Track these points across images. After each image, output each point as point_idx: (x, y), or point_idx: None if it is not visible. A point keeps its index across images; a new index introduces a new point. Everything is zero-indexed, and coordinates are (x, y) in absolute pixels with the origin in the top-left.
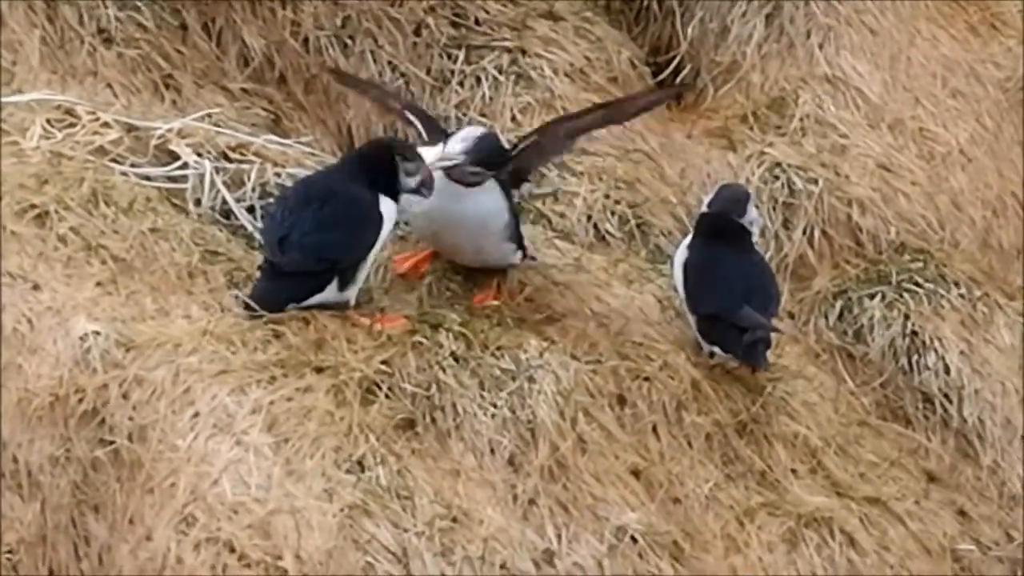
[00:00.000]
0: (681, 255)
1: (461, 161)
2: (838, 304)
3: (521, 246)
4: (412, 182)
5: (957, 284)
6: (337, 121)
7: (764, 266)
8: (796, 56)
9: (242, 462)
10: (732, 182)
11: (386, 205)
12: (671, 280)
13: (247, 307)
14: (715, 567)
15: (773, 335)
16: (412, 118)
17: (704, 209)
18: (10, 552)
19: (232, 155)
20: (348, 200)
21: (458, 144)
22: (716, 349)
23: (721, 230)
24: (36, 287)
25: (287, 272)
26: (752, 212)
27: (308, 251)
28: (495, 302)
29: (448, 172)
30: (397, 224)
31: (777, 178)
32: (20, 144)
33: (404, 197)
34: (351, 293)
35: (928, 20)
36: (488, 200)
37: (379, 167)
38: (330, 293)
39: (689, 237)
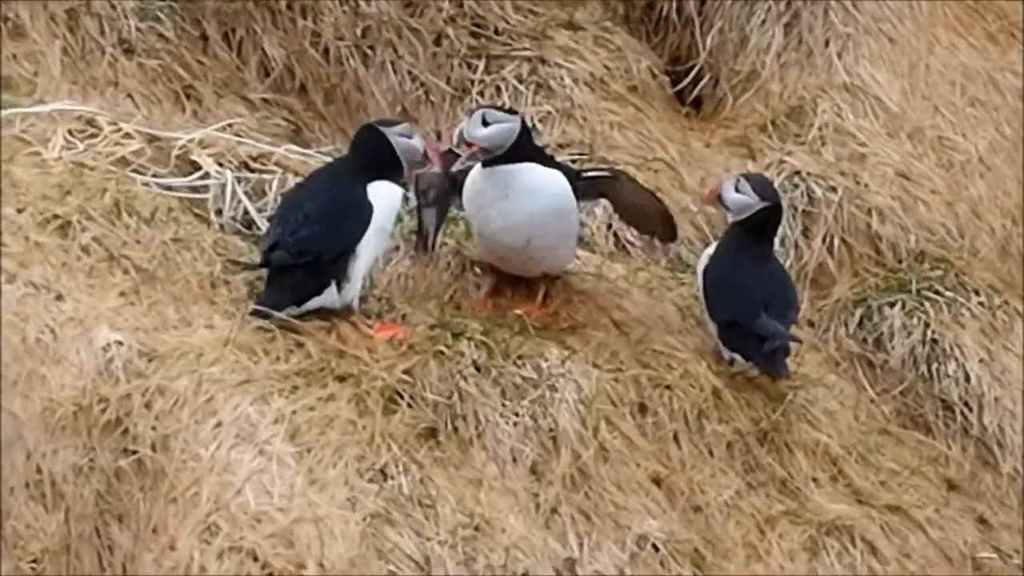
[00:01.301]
0: (703, 262)
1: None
2: (858, 312)
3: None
4: (407, 143)
5: (977, 292)
6: None
7: (783, 272)
8: (815, 65)
9: (265, 471)
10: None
11: (380, 193)
12: (694, 287)
13: (254, 313)
14: (736, 575)
15: (792, 343)
16: None
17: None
18: (34, 561)
19: (253, 165)
20: (331, 194)
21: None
22: (737, 357)
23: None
24: (59, 297)
25: (281, 273)
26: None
27: (290, 247)
28: (538, 312)
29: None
30: (400, 219)
31: (796, 187)
32: (42, 154)
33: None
34: (350, 294)
35: (947, 28)
36: (568, 196)
37: (370, 150)
38: (329, 296)
39: (713, 245)
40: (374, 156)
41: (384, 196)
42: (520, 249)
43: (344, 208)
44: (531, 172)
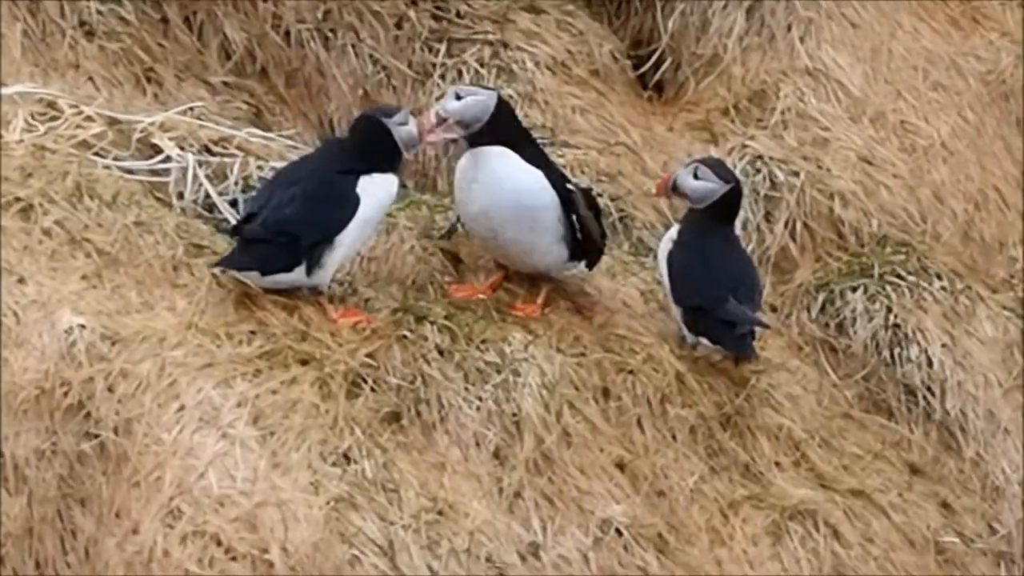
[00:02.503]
0: (665, 247)
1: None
2: (820, 297)
3: (579, 257)
4: (406, 131)
5: (939, 276)
6: (319, 114)
7: (746, 255)
8: (777, 49)
9: (228, 455)
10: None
11: (373, 185)
12: (656, 272)
13: (216, 264)
14: (700, 560)
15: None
16: None
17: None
18: None
19: (215, 148)
20: (321, 180)
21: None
22: (703, 340)
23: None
24: (21, 280)
25: (253, 242)
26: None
27: (270, 225)
28: (535, 314)
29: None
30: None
31: (759, 171)
32: (3, 137)
33: None
34: (320, 278)
35: (910, 13)
36: (536, 192)
37: (369, 140)
38: (298, 275)
39: (674, 228)
40: (372, 147)
41: (376, 189)
42: (490, 239)
43: (331, 196)
44: (502, 159)
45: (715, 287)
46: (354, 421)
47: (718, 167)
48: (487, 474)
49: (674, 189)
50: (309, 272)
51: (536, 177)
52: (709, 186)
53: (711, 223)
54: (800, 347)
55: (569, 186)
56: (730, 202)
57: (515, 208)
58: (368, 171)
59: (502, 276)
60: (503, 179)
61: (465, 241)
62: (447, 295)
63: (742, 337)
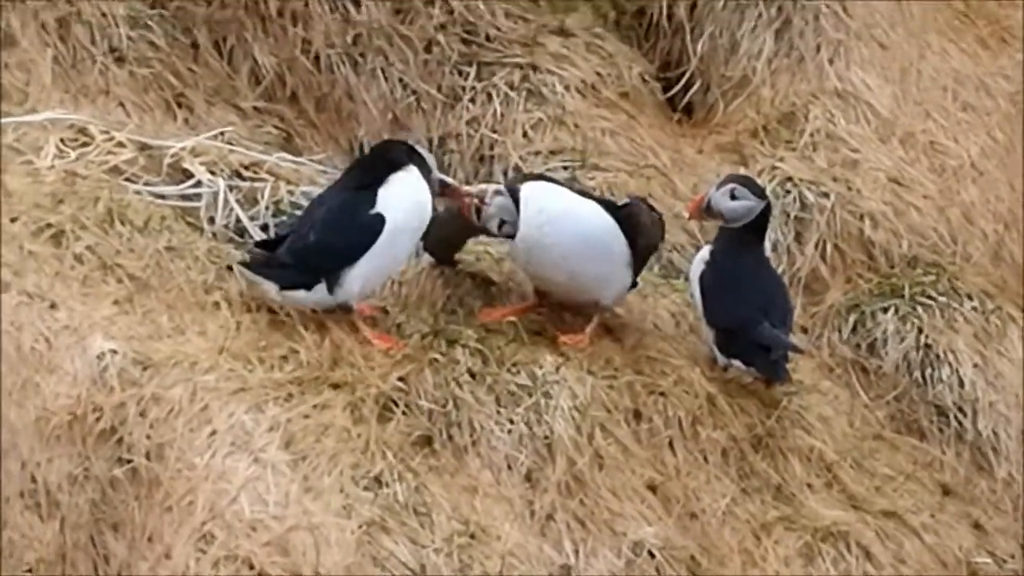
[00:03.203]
0: (697, 268)
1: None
2: (851, 318)
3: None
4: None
5: (970, 297)
6: (349, 138)
7: (778, 276)
8: (806, 70)
9: (260, 479)
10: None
11: (393, 194)
12: (687, 293)
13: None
14: None
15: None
16: None
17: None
18: (29, 571)
19: (245, 173)
20: (340, 202)
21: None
22: (735, 362)
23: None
24: (53, 306)
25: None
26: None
27: (295, 252)
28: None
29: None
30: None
31: (788, 192)
32: (35, 163)
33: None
34: (345, 296)
35: (938, 33)
36: (603, 222)
37: (387, 145)
38: (319, 295)
39: (706, 249)
40: (390, 150)
41: (399, 194)
42: (564, 281)
43: (350, 219)
44: (557, 197)
45: (749, 309)
46: (386, 445)
47: (752, 185)
48: (519, 497)
49: (707, 210)
50: (330, 290)
51: (593, 207)
52: (748, 204)
53: (745, 242)
54: (831, 368)
55: (622, 202)
56: (764, 219)
57: (589, 243)
58: (386, 177)
59: (536, 303)
60: (570, 218)
61: (495, 265)
62: (478, 318)
63: (776, 360)
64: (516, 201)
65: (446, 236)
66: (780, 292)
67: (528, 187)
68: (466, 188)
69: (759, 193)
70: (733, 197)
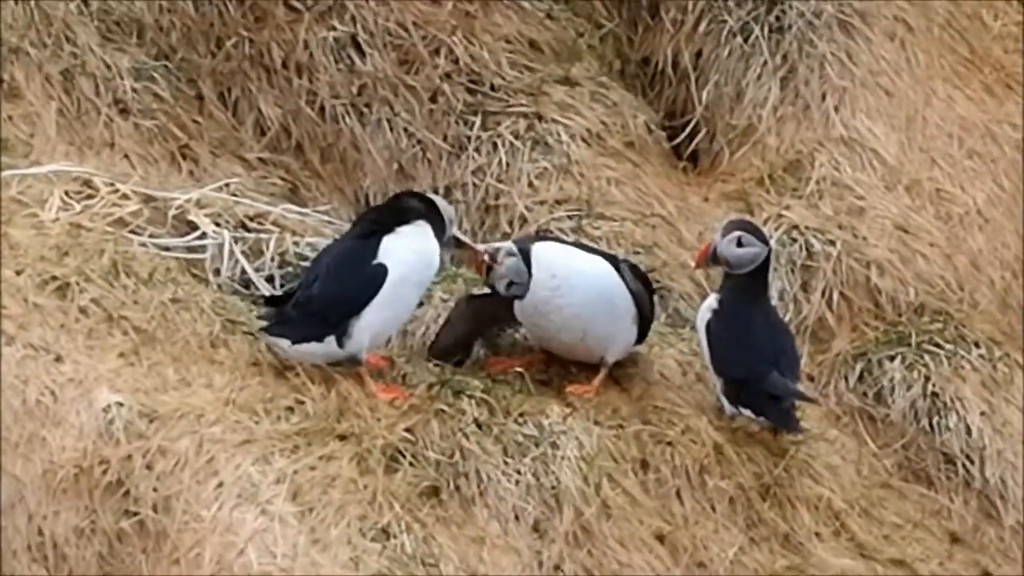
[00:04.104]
0: (704, 316)
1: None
2: (858, 366)
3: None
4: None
5: (977, 345)
6: (355, 189)
7: (785, 324)
8: (812, 118)
9: (267, 531)
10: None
11: (397, 244)
12: (695, 342)
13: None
14: None
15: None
16: None
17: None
18: None
19: (250, 224)
20: (344, 251)
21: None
22: (743, 411)
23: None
24: (58, 359)
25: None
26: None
27: (300, 304)
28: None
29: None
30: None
31: (795, 240)
32: (39, 216)
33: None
34: (354, 348)
35: (943, 81)
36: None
37: (398, 197)
38: (330, 347)
39: (712, 297)
40: (400, 202)
41: (404, 244)
42: (577, 341)
43: (353, 268)
44: (564, 255)
45: (758, 359)
46: (393, 496)
47: (756, 231)
48: (527, 547)
49: (713, 259)
50: (340, 343)
51: (599, 262)
52: (755, 251)
53: (751, 289)
54: (838, 416)
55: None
56: (767, 264)
57: (600, 298)
58: (392, 228)
59: (543, 355)
60: (581, 278)
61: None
62: (484, 368)
63: (787, 410)
64: (526, 261)
65: (458, 338)
66: (788, 340)
67: (539, 247)
68: (480, 246)
69: (763, 239)
70: (740, 244)
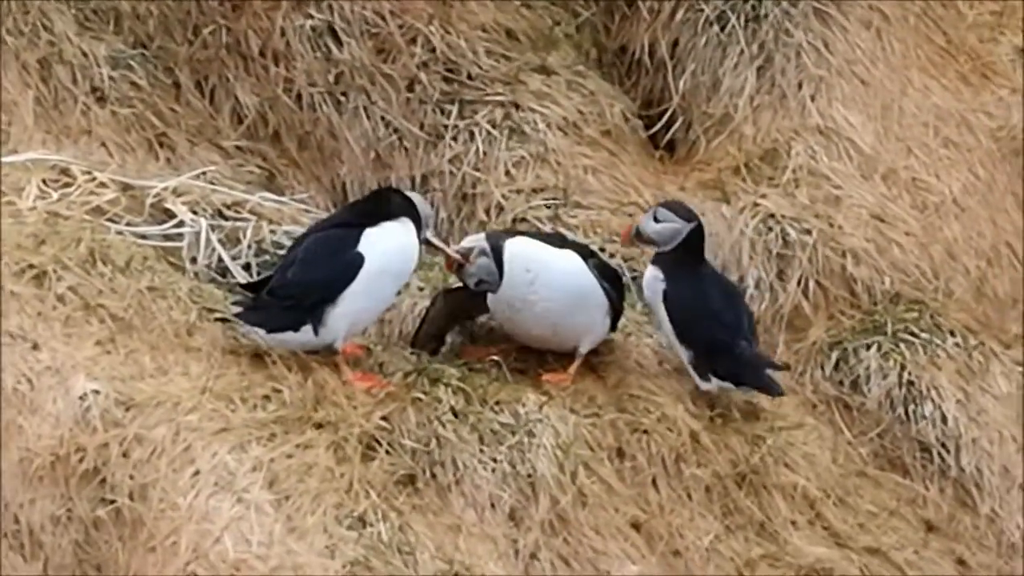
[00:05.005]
0: (655, 287)
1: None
2: (834, 355)
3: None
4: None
5: (952, 333)
6: (331, 177)
7: (736, 289)
8: (788, 107)
9: (243, 519)
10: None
11: (379, 237)
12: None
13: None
14: None
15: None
16: None
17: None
18: None
19: (227, 213)
20: (323, 238)
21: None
22: (725, 384)
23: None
24: (35, 347)
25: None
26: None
27: (275, 289)
28: (566, 383)
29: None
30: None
31: (771, 229)
32: (16, 204)
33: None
34: (329, 337)
35: (919, 70)
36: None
37: (380, 194)
38: (306, 336)
39: (652, 271)
40: (382, 199)
41: (385, 238)
42: (549, 336)
43: (331, 254)
44: (537, 250)
45: (724, 327)
46: (369, 484)
47: (678, 207)
48: (503, 536)
49: (638, 236)
50: (315, 331)
51: (570, 256)
52: (673, 227)
53: (689, 263)
54: (814, 405)
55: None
56: (697, 241)
57: (572, 293)
58: (377, 222)
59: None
60: (553, 273)
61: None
62: (460, 356)
63: (764, 374)
64: (498, 257)
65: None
66: (742, 304)
67: (511, 244)
68: (451, 248)
69: (687, 216)
70: (656, 220)
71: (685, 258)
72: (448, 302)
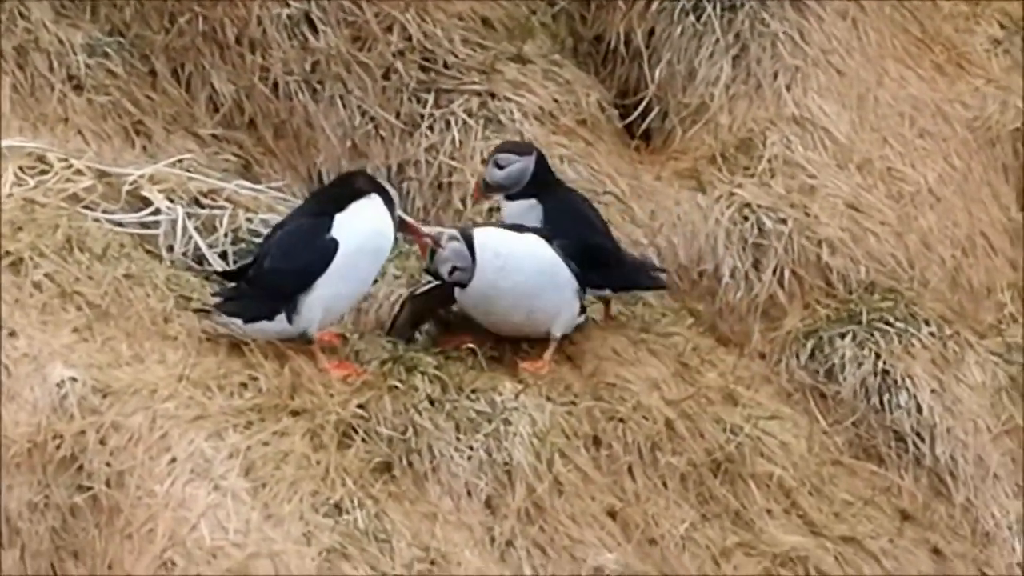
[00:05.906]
0: (526, 218)
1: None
2: (809, 344)
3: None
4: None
5: (927, 323)
6: (308, 166)
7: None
8: (764, 97)
9: (220, 507)
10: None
11: (350, 220)
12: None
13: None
14: None
15: None
16: None
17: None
18: None
19: (204, 201)
20: (295, 227)
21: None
22: (604, 291)
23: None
24: (12, 334)
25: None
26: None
27: (251, 280)
28: (544, 370)
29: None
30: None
31: (747, 219)
32: None
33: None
34: (303, 325)
35: (895, 60)
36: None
37: (346, 176)
38: (281, 325)
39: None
40: (348, 181)
41: (356, 221)
42: (523, 322)
43: (303, 242)
44: (501, 238)
45: (607, 236)
46: (345, 472)
47: (513, 146)
48: (479, 523)
49: (488, 189)
50: (290, 320)
51: (533, 237)
52: (519, 166)
53: (545, 191)
54: (790, 394)
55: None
56: (545, 167)
57: (541, 271)
58: (346, 204)
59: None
60: (522, 257)
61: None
62: (436, 344)
63: (646, 273)
64: (469, 246)
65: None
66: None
67: (480, 232)
68: (425, 229)
69: (526, 150)
70: (499, 167)
71: (543, 188)
72: (414, 307)
